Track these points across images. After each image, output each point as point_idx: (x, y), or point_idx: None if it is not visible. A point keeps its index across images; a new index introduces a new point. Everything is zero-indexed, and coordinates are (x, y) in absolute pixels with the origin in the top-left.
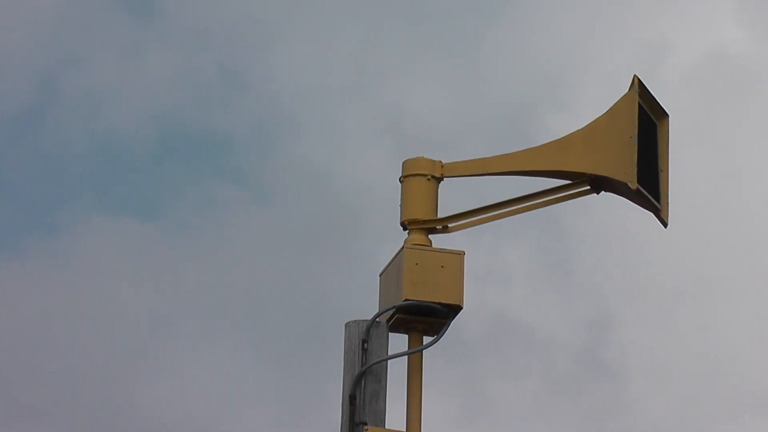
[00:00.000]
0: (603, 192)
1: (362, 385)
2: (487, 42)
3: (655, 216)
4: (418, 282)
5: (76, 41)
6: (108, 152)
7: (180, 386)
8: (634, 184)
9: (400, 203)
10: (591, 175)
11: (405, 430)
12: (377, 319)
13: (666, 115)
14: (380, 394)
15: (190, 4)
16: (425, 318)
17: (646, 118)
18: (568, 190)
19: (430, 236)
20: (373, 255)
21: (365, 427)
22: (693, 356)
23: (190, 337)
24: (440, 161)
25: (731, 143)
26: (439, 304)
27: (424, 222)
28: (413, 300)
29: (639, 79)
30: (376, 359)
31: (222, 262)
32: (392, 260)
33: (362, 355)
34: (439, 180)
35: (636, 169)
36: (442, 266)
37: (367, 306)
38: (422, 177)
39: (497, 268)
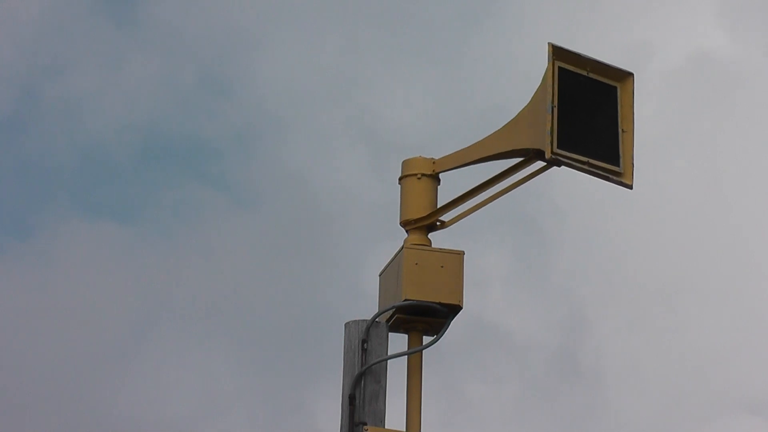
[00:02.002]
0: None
1: (362, 385)
2: (469, 47)
3: (616, 183)
4: (417, 282)
5: (57, 49)
6: (89, 158)
7: (160, 388)
8: (548, 153)
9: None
10: (532, 149)
11: (405, 430)
12: (377, 319)
13: (628, 74)
14: (380, 394)
15: (172, 12)
16: (425, 318)
17: (593, 84)
18: (524, 167)
19: (431, 234)
20: (354, 258)
21: (365, 427)
22: (670, 358)
23: (169, 339)
24: (432, 158)
25: (713, 146)
26: (439, 304)
27: (417, 221)
28: (413, 300)
29: (555, 47)
30: (375, 359)
31: (202, 266)
32: (392, 260)
33: (362, 355)
34: (434, 177)
35: (553, 138)
36: (442, 266)
37: (348, 309)
38: (413, 176)
39: (474, 272)
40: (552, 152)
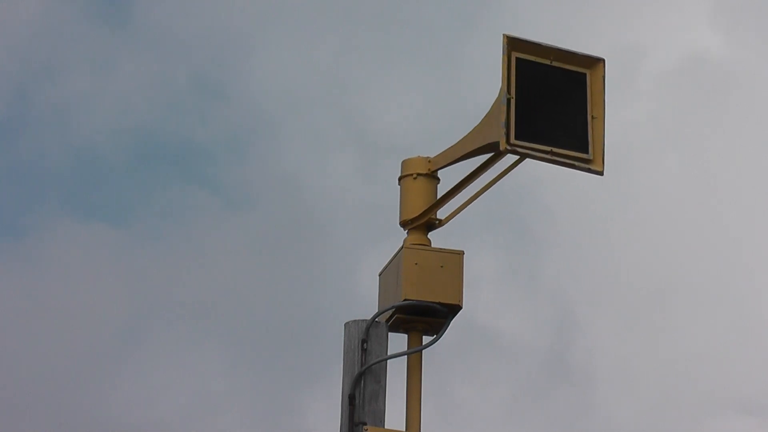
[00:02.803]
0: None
1: (362, 385)
2: (464, 49)
3: (584, 170)
4: (417, 282)
5: (50, 52)
6: (81, 160)
7: (152, 389)
8: (503, 145)
9: None
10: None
11: (404, 430)
12: (377, 319)
13: (598, 60)
14: (380, 394)
15: (164, 15)
16: (425, 318)
17: (559, 73)
18: (496, 162)
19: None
20: (347, 260)
21: (365, 427)
22: (661, 359)
23: (161, 341)
24: (428, 157)
25: (706, 148)
26: (439, 303)
27: (413, 221)
28: (413, 300)
29: (510, 38)
30: (375, 359)
31: (194, 267)
32: (392, 260)
33: (362, 355)
34: (431, 176)
35: (509, 129)
36: (442, 266)
37: (341, 310)
38: (410, 176)
39: (465, 273)
40: (509, 143)
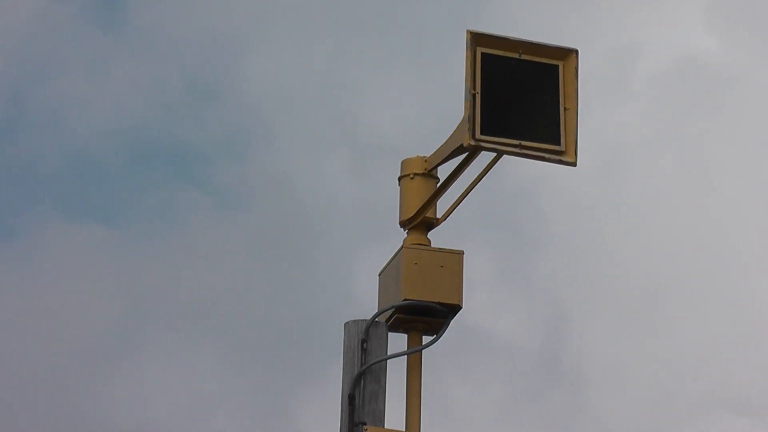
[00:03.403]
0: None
1: (361, 385)
2: (459, 51)
3: (555, 162)
4: (417, 282)
5: (45, 54)
6: (75, 161)
7: (145, 390)
8: (466, 141)
9: None
10: None
11: (404, 430)
12: (376, 319)
13: (570, 51)
14: (379, 394)
15: (159, 17)
16: (425, 318)
17: (529, 66)
18: (472, 159)
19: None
20: (342, 261)
21: (364, 427)
22: (654, 359)
23: (155, 342)
24: (424, 157)
25: (701, 149)
26: (439, 303)
27: (409, 221)
28: (412, 300)
29: (474, 33)
30: (375, 359)
31: (187, 268)
32: (391, 260)
33: (361, 355)
34: (428, 176)
35: (473, 125)
36: (441, 266)
37: (334, 311)
38: (407, 177)
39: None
40: (474, 139)
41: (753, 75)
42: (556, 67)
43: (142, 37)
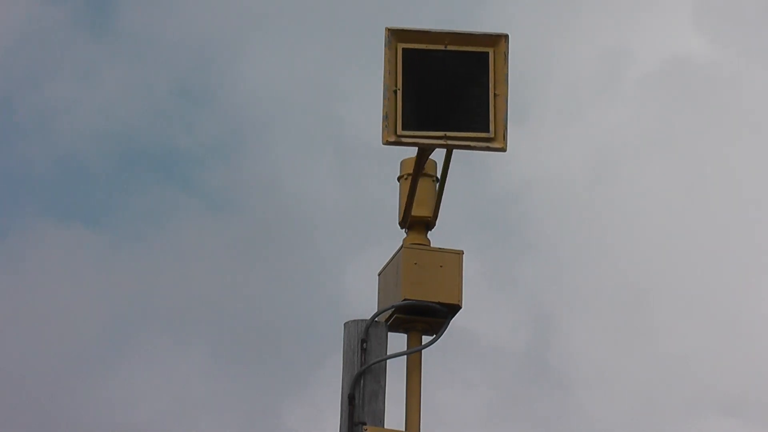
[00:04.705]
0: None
1: (361, 385)
2: None
3: (483, 149)
4: (416, 282)
5: (34, 58)
6: (63, 165)
7: (131, 393)
8: (384, 138)
9: None
10: None
11: (404, 430)
12: (376, 319)
13: (499, 36)
14: (379, 394)
15: (148, 21)
16: (424, 318)
17: (457, 57)
18: (425, 158)
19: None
20: (330, 263)
21: (364, 427)
22: (642, 360)
23: (142, 344)
24: None
25: (690, 151)
26: (438, 303)
27: (403, 221)
28: (412, 300)
29: (393, 30)
30: (375, 359)
31: (175, 270)
32: (391, 259)
33: (361, 355)
34: (425, 175)
35: (395, 121)
36: (441, 266)
37: (323, 314)
38: (402, 177)
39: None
40: (395, 135)
41: (743, 76)
42: (486, 54)
43: (131, 41)
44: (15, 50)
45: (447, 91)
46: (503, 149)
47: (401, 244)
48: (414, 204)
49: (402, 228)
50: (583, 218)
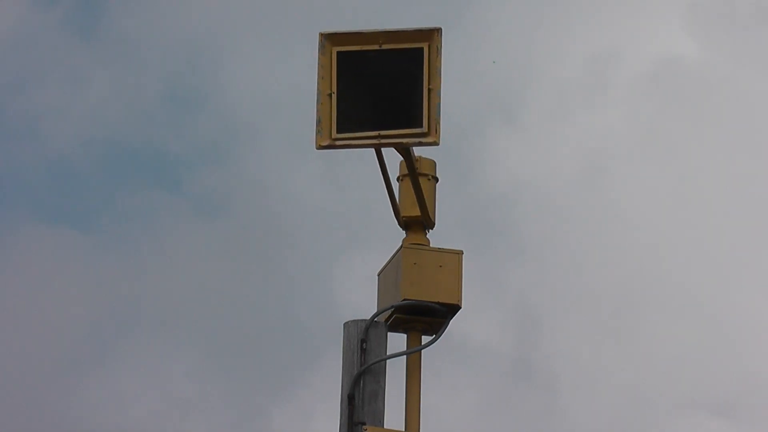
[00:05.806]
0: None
1: (361, 385)
2: None
3: (416, 145)
4: (416, 282)
5: (22, 63)
6: (52, 169)
7: (118, 395)
8: (317, 144)
9: None
10: None
11: (404, 430)
12: (376, 319)
13: (432, 31)
14: (379, 394)
15: (136, 25)
16: (424, 318)
17: (391, 55)
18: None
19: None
20: (318, 266)
21: (364, 427)
22: (630, 362)
23: (129, 346)
24: (419, 156)
25: (680, 153)
26: (438, 303)
27: (400, 221)
28: (412, 300)
29: (326, 34)
30: (374, 359)
31: (162, 273)
32: (390, 259)
33: (361, 355)
34: (421, 175)
35: (330, 125)
36: (441, 266)
37: (311, 316)
38: (404, 177)
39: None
40: (330, 139)
41: (733, 78)
42: (421, 49)
43: (120, 45)
44: (4, 54)
45: (382, 90)
46: (436, 143)
47: (401, 244)
48: (404, 204)
49: (402, 228)
50: (573, 220)
